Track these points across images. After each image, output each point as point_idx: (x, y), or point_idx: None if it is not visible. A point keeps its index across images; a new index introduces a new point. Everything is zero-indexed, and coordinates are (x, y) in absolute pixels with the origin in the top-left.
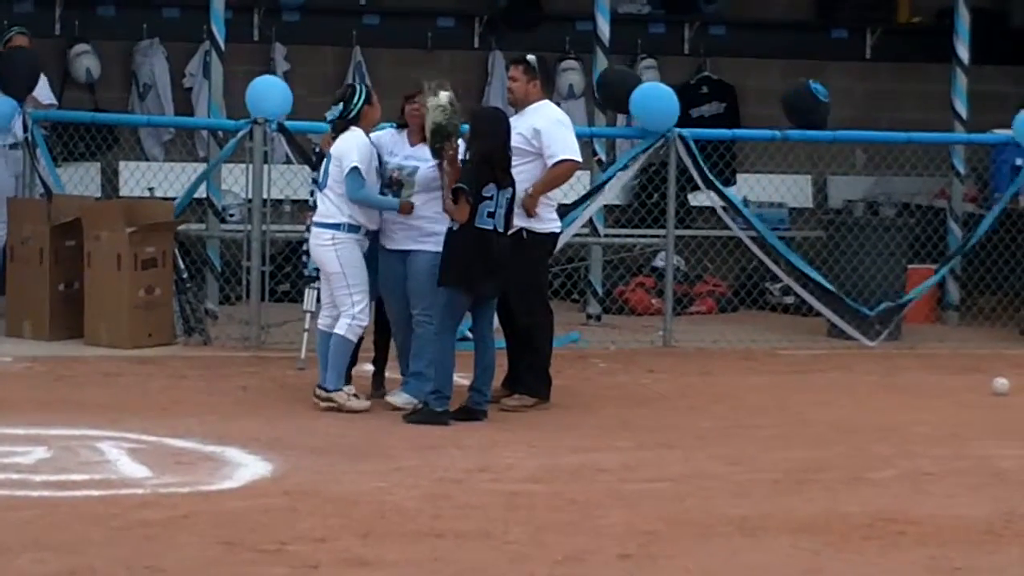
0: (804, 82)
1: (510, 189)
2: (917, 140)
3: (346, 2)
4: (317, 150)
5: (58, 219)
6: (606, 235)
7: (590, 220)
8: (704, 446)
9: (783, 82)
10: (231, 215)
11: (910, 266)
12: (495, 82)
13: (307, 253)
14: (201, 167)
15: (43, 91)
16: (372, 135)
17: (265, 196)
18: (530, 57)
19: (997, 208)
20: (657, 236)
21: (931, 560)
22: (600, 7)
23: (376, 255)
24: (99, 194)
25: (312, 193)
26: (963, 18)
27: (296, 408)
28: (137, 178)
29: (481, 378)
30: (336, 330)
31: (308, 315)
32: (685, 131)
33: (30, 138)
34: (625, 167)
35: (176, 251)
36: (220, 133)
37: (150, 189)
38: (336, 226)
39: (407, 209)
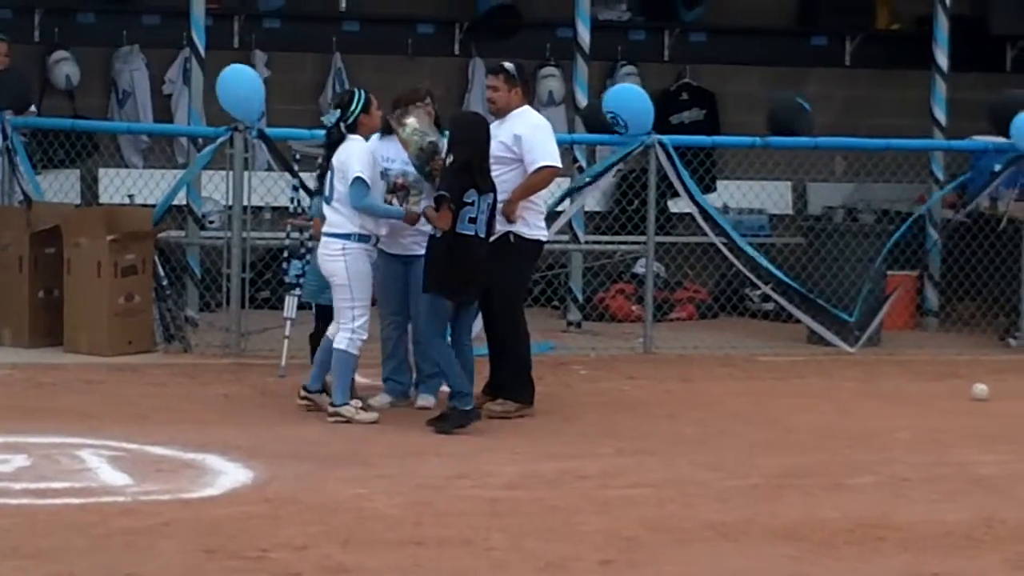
0: (792, 96)
1: (491, 194)
2: (896, 147)
3: (326, 9)
4: (298, 156)
5: (38, 226)
6: (586, 242)
7: (570, 226)
8: (685, 452)
9: (763, 89)
10: (211, 222)
11: (889, 272)
12: (475, 88)
13: (287, 260)
14: (181, 174)
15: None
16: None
17: (245, 203)
18: (508, 65)
19: (920, 210)
20: (637, 243)
21: (911, 566)
22: (580, 14)
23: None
24: (79, 201)
25: (293, 200)
26: (942, 25)
27: (277, 415)
28: (117, 185)
29: None
30: (336, 345)
31: (288, 322)
32: (665, 138)
33: (10, 145)
34: (605, 171)
35: (156, 258)
36: (200, 140)
37: (130, 196)
38: (347, 236)
39: (413, 220)
